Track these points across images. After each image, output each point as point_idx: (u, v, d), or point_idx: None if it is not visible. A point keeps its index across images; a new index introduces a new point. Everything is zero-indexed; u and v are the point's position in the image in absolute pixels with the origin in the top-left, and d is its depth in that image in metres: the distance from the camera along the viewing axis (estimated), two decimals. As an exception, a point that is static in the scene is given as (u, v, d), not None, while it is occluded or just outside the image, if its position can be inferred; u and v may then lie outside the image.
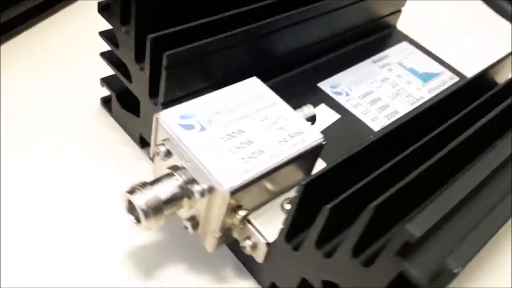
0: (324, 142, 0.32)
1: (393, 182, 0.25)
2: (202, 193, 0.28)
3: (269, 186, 0.30)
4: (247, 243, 0.31)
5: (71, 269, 0.32)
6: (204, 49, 0.33)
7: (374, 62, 0.47)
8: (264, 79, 0.40)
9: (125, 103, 0.40)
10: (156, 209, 0.28)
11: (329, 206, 0.25)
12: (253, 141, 0.30)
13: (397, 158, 0.28)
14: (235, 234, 0.31)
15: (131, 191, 0.28)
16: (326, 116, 0.40)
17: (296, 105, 0.39)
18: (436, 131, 0.30)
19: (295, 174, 0.32)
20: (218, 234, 0.30)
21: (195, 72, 0.35)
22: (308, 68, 0.44)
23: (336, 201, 0.25)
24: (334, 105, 0.42)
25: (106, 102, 0.43)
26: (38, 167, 0.36)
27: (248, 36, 0.36)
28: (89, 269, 0.32)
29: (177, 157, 0.29)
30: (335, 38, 0.46)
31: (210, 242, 0.31)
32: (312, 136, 0.31)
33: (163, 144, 0.30)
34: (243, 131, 0.30)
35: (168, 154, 0.29)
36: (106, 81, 0.41)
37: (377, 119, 0.41)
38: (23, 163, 0.36)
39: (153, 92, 0.35)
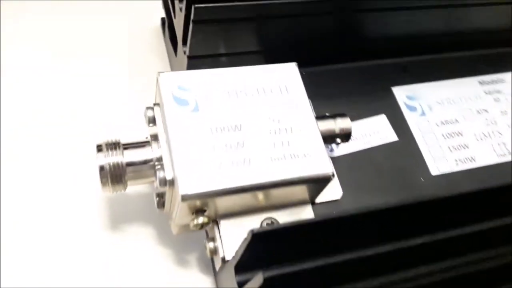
0: (333, 176, 0.25)
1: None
2: (163, 182, 0.24)
3: (248, 201, 0.26)
4: (210, 245, 0.27)
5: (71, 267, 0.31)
6: (239, 11, 0.27)
7: (481, 84, 0.37)
8: (325, 61, 0.34)
9: (173, 35, 0.36)
10: (116, 176, 0.25)
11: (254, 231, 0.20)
12: (245, 145, 0.25)
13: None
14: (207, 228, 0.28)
15: (99, 148, 0.26)
16: (380, 132, 0.33)
17: (347, 105, 0.33)
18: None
19: (287, 197, 0.27)
20: (177, 227, 0.27)
21: (227, 35, 0.29)
22: (389, 64, 0.36)
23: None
24: (398, 122, 0.34)
25: (164, 24, 0.39)
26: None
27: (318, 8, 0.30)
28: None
29: (160, 129, 0.26)
30: (443, 36, 0.36)
31: (173, 227, 0.28)
32: (318, 165, 0.25)
33: (151, 108, 0.26)
34: (241, 127, 0.25)
35: (153, 121, 0.26)
36: (166, 3, 0.37)
37: (443, 160, 0.33)
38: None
39: (185, 40, 0.30)
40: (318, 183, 0.26)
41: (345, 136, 0.29)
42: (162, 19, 0.40)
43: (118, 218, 0.32)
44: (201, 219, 0.25)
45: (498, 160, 0.34)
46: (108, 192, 0.26)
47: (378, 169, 0.32)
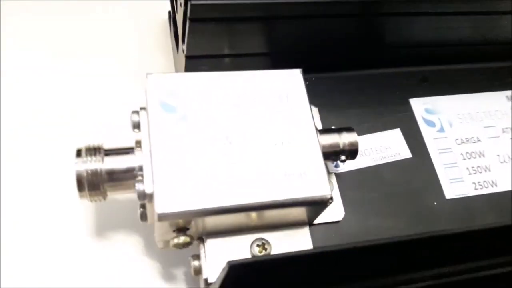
0: (331, 201, 0.23)
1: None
2: (142, 196, 0.22)
3: (237, 221, 0.23)
4: (194, 263, 0.25)
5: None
6: (239, 11, 0.25)
7: (509, 99, 0.33)
8: (337, 67, 0.31)
9: (176, 30, 0.34)
10: (94, 184, 0.23)
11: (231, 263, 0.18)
12: (236, 160, 0.23)
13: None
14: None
15: (78, 153, 0.24)
16: (392, 148, 0.30)
17: (358, 116, 0.30)
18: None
19: (281, 218, 0.24)
20: (161, 242, 0.25)
21: (228, 35, 0.27)
22: (407, 73, 0.33)
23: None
24: (414, 137, 0.31)
25: (170, 18, 0.37)
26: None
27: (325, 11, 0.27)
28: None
29: (144, 136, 0.23)
30: (470, 45, 0.33)
31: (157, 241, 0.26)
32: (316, 187, 0.23)
33: (137, 112, 0.24)
34: (232, 140, 0.23)
35: (138, 126, 0.24)
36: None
37: (460, 182, 0.30)
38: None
39: (184, 38, 0.28)
40: (314, 206, 0.23)
41: (351, 152, 0.26)
42: (169, 12, 0.38)
43: (108, 223, 0.30)
44: (182, 239, 0.23)
45: (521, 189, 0.31)
46: (85, 200, 0.24)
47: (387, 188, 0.29)
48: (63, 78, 0.35)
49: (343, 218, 0.27)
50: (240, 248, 0.25)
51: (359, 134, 0.29)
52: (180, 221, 0.22)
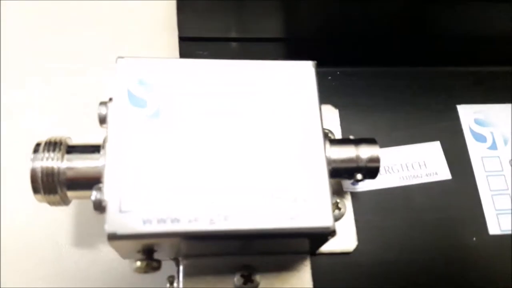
0: (334, 234, 0.18)
1: None
2: (97, 206, 0.18)
3: (215, 245, 0.19)
4: (168, 285, 0.21)
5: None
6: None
7: None
8: (369, 61, 0.26)
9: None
10: (49, 184, 0.20)
11: None
12: (217, 174, 0.18)
13: None
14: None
15: (36, 148, 0.20)
16: (428, 165, 0.24)
17: (389, 123, 0.25)
18: None
19: (274, 246, 0.20)
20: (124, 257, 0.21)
21: (232, 14, 0.22)
22: (457, 73, 0.27)
23: None
24: (457, 154, 0.25)
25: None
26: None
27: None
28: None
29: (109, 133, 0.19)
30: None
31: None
32: (314, 216, 0.18)
33: (105, 104, 0.20)
34: (215, 147, 0.18)
35: (105, 120, 0.19)
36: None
37: (510, 216, 0.24)
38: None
39: (180, 15, 0.24)
40: (312, 238, 0.18)
41: (370, 171, 0.21)
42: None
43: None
44: (144, 263, 0.19)
45: None
46: (43, 202, 0.20)
47: (415, 216, 0.23)
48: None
49: (356, 249, 0.22)
50: (223, 274, 0.21)
51: (387, 145, 0.24)
52: (143, 242, 0.18)
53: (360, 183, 0.24)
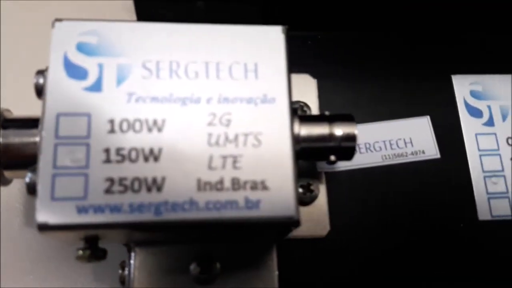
0: (297, 224, 0.16)
1: None
2: (30, 190, 0.16)
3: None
4: (120, 271, 0.20)
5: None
6: None
7: None
8: (352, 24, 0.23)
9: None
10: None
11: None
12: (164, 157, 0.16)
13: None
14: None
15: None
16: (414, 143, 0.22)
17: (373, 96, 0.22)
18: None
19: (227, 234, 0.18)
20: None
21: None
22: (452, 37, 0.24)
23: None
24: (448, 130, 0.22)
25: None
26: None
27: None
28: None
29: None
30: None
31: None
32: (275, 204, 0.16)
33: (41, 73, 0.17)
34: (163, 126, 0.16)
35: (41, 93, 0.17)
36: None
37: (503, 200, 0.22)
38: None
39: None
40: (272, 229, 0.17)
41: (344, 151, 0.18)
42: None
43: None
44: (86, 252, 0.17)
45: None
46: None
47: (398, 199, 0.21)
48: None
49: (328, 234, 0.20)
50: (179, 262, 0.19)
51: (372, 120, 0.22)
52: (81, 233, 0.16)
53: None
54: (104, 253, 0.17)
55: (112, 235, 0.17)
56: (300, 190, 0.21)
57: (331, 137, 0.18)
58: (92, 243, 0.17)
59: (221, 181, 0.16)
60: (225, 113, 0.16)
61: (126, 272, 0.19)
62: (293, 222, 0.16)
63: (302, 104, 0.22)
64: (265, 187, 0.16)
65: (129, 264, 0.19)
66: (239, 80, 0.17)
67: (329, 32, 0.23)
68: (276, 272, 0.19)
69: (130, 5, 0.23)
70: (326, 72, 0.23)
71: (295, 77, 0.22)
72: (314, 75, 0.23)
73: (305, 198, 0.20)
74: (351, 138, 0.18)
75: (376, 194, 0.21)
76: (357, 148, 0.21)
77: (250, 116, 0.16)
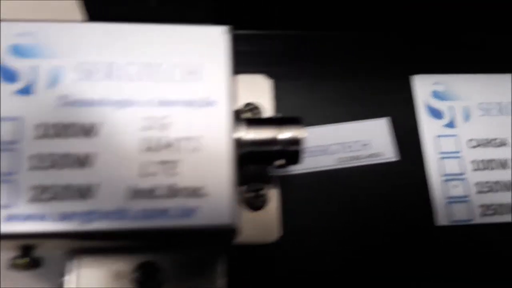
0: (236, 232, 0.15)
1: None
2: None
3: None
4: (62, 280, 0.19)
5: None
6: None
7: None
8: (306, 23, 0.22)
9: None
10: None
11: None
12: (98, 162, 0.15)
13: None
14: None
15: None
16: (373, 145, 0.22)
17: (332, 97, 0.22)
18: None
19: (168, 243, 0.17)
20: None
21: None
22: (415, 36, 0.23)
23: None
24: (408, 132, 0.22)
25: None
26: None
27: None
28: None
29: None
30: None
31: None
32: (212, 211, 0.15)
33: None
34: (97, 131, 0.16)
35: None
36: None
37: (462, 204, 0.21)
38: None
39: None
40: (208, 237, 0.16)
41: (290, 155, 0.18)
42: None
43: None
44: (20, 260, 0.16)
45: (557, 218, 0.21)
46: None
47: (353, 203, 0.21)
48: None
49: (279, 239, 0.20)
50: (121, 271, 0.18)
51: (328, 122, 0.21)
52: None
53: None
54: (39, 263, 0.17)
55: (47, 244, 0.16)
56: (251, 195, 0.20)
57: (277, 140, 0.18)
58: (26, 251, 0.16)
59: (154, 189, 0.15)
60: (163, 117, 0.16)
61: (68, 280, 0.18)
62: (230, 230, 0.15)
63: (252, 106, 0.21)
64: (202, 194, 0.15)
65: (71, 272, 0.18)
66: (179, 83, 0.16)
67: (288, 32, 0.23)
68: (225, 279, 0.18)
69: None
70: (284, 73, 0.22)
71: (250, 77, 0.22)
72: (271, 75, 0.22)
73: (256, 203, 0.20)
74: (297, 141, 0.18)
75: (332, 198, 0.21)
76: (312, 151, 0.21)
77: (189, 120, 0.16)
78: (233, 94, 0.17)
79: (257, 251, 0.20)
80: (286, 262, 0.20)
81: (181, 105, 0.16)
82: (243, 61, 0.22)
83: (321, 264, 0.20)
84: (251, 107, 0.21)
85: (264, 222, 0.20)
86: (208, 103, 0.16)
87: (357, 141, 0.21)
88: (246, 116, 0.21)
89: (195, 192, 0.15)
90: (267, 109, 0.22)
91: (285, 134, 0.18)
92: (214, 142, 0.16)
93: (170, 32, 0.17)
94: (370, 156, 0.21)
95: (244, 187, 0.20)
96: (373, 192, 0.21)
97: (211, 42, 0.17)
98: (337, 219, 0.21)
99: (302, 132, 0.18)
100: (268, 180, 0.20)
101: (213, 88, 0.16)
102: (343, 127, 0.22)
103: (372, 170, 0.21)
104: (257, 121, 0.18)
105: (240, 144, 0.17)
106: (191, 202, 0.15)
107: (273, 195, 0.20)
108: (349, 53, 0.23)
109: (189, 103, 0.16)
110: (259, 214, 0.20)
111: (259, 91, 0.22)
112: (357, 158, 0.21)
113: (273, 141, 0.18)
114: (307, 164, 0.21)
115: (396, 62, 0.23)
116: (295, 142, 0.18)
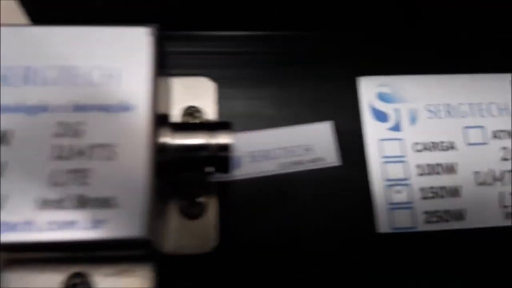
0: (151, 245, 0.15)
1: None
2: None
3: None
4: None
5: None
6: None
7: None
8: (250, 25, 0.22)
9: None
10: None
11: None
12: (9, 171, 0.14)
13: None
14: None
15: None
16: (315, 150, 0.21)
17: (274, 100, 0.21)
18: None
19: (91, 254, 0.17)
20: None
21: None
22: (357, 38, 0.23)
23: None
24: (351, 136, 0.21)
25: None
26: None
27: None
28: None
29: None
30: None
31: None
32: (122, 223, 0.14)
33: None
34: (9, 139, 0.15)
35: None
36: None
37: (406, 211, 0.20)
38: None
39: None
40: (121, 250, 0.15)
41: (220, 162, 0.17)
42: None
43: None
44: None
45: (503, 223, 0.21)
46: None
47: (291, 209, 0.20)
48: None
49: (215, 249, 0.19)
50: (52, 279, 0.18)
51: (271, 125, 0.21)
52: None
53: (238, 168, 0.20)
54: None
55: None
56: (186, 203, 0.19)
57: (206, 146, 0.17)
58: None
59: (63, 199, 0.14)
60: (77, 123, 0.15)
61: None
62: (143, 243, 0.14)
63: (196, 109, 0.21)
64: (113, 205, 0.14)
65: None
66: (97, 87, 0.16)
67: (232, 33, 0.22)
68: (155, 290, 0.18)
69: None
70: (227, 75, 0.22)
71: (192, 80, 0.21)
72: (214, 78, 0.21)
73: (192, 212, 0.19)
74: (225, 148, 0.17)
75: (273, 204, 0.20)
76: (254, 156, 0.20)
77: (105, 126, 0.15)
78: (155, 98, 0.16)
79: (192, 262, 0.19)
80: (223, 272, 0.19)
81: (97, 110, 0.15)
82: (186, 63, 0.21)
83: (260, 274, 0.19)
84: (192, 111, 0.20)
85: (201, 232, 0.19)
86: (125, 108, 0.15)
87: (300, 145, 0.21)
88: (186, 120, 0.20)
89: (106, 203, 0.14)
90: (210, 113, 0.21)
91: (213, 139, 0.17)
92: (130, 149, 0.15)
93: (91, 34, 0.16)
94: (313, 161, 0.21)
95: (179, 195, 0.19)
96: (316, 198, 0.20)
97: (133, 43, 0.16)
98: (278, 226, 0.20)
99: (231, 138, 0.17)
100: (206, 188, 0.20)
101: (133, 92, 0.16)
102: (285, 132, 0.21)
103: (314, 175, 0.21)
104: (184, 126, 0.18)
105: (164, 150, 0.16)
106: (101, 214, 0.14)
107: (211, 203, 0.20)
108: (293, 55, 0.22)
109: (106, 108, 0.15)
110: (196, 223, 0.19)
111: (201, 94, 0.21)
112: (299, 163, 0.21)
113: (201, 147, 0.17)
114: (249, 170, 0.20)
115: (343, 63, 0.22)
116: (223, 148, 0.17)
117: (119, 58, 0.16)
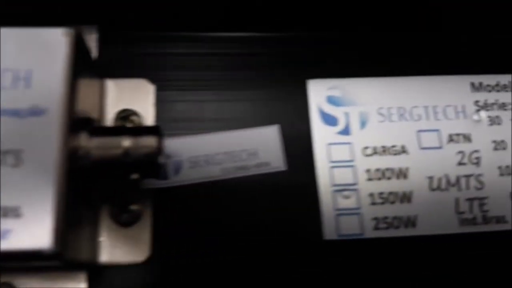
0: (60, 257, 0.14)
1: None
2: None
3: None
4: None
5: None
6: None
7: (475, 88, 0.22)
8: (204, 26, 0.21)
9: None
10: None
11: None
12: None
13: None
14: None
15: None
16: (262, 154, 0.20)
17: (217, 102, 0.20)
18: None
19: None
20: None
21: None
22: (309, 40, 0.22)
23: None
24: (299, 140, 0.20)
25: None
26: None
27: None
28: None
29: None
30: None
31: None
32: (26, 233, 0.14)
33: None
34: None
35: None
36: None
37: (353, 217, 0.20)
38: None
39: None
40: (28, 262, 0.14)
41: (146, 168, 0.16)
42: None
43: None
44: None
45: (458, 230, 0.20)
46: None
47: (235, 215, 0.19)
48: None
49: (150, 259, 0.18)
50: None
51: (215, 129, 0.20)
52: None
53: (176, 175, 0.19)
54: None
55: None
56: (118, 210, 0.18)
57: (128, 152, 0.16)
58: None
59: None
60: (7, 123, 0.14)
61: None
62: (52, 255, 0.14)
63: (133, 112, 0.20)
64: (18, 215, 0.14)
65: None
66: (7, 90, 0.15)
67: (173, 33, 0.21)
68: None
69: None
70: (170, 77, 0.21)
71: (130, 82, 0.20)
72: (153, 80, 0.20)
73: (123, 219, 0.18)
74: (151, 154, 0.16)
75: (215, 211, 0.19)
76: (195, 161, 0.19)
77: (12, 131, 0.14)
78: (71, 101, 0.15)
79: (125, 272, 0.18)
80: (157, 283, 0.18)
81: (5, 114, 0.15)
82: (125, 64, 0.21)
83: (198, 284, 0.18)
84: (127, 114, 0.20)
85: (134, 240, 0.18)
86: (35, 112, 0.15)
87: (244, 150, 0.20)
88: (120, 124, 0.19)
89: (11, 213, 0.14)
90: (148, 117, 0.20)
91: (137, 144, 0.16)
92: (38, 155, 0.14)
93: (2, 35, 0.15)
94: (258, 165, 0.20)
95: (110, 202, 0.18)
96: (261, 204, 0.19)
97: (48, 45, 0.15)
98: (220, 234, 0.19)
99: (159, 143, 0.16)
100: (139, 194, 0.19)
101: (44, 95, 0.15)
102: (230, 136, 0.20)
103: (259, 181, 0.20)
104: (105, 131, 0.17)
105: (78, 156, 0.15)
106: (6, 224, 0.14)
107: (145, 211, 0.19)
108: (240, 57, 0.21)
109: (15, 113, 0.15)
110: (128, 231, 0.18)
111: (138, 97, 0.20)
112: (243, 168, 0.20)
113: (124, 153, 0.16)
114: (190, 176, 0.19)
115: (292, 66, 0.21)
116: (150, 154, 0.16)
117: (32, 61, 0.15)
